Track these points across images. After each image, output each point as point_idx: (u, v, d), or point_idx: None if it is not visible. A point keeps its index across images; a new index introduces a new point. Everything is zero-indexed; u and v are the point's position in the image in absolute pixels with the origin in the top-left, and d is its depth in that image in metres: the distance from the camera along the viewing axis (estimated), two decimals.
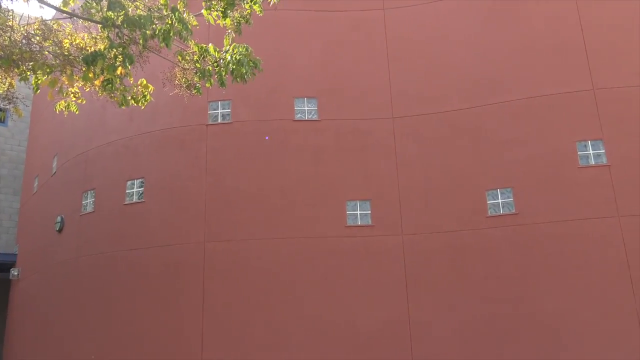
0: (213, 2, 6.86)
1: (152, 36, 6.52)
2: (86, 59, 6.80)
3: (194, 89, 7.71)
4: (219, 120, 13.58)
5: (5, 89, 8.42)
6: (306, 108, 13.47)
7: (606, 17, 12.54)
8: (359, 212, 12.74)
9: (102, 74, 7.05)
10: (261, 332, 12.10)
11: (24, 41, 7.65)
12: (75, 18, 7.59)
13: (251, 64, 6.96)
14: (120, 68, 7.04)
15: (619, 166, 11.63)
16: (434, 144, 12.87)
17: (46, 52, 7.71)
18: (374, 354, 11.74)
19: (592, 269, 11.25)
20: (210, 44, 7.23)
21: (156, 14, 6.48)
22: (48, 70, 7.50)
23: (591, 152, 11.88)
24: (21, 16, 8.27)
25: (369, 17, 13.99)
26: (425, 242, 12.31)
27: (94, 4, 6.72)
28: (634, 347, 10.70)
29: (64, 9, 7.28)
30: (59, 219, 15.36)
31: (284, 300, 12.23)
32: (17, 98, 8.69)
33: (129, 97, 8.00)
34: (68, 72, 7.61)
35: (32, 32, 7.78)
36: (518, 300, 11.48)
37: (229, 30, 7.12)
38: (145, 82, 8.21)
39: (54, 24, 8.04)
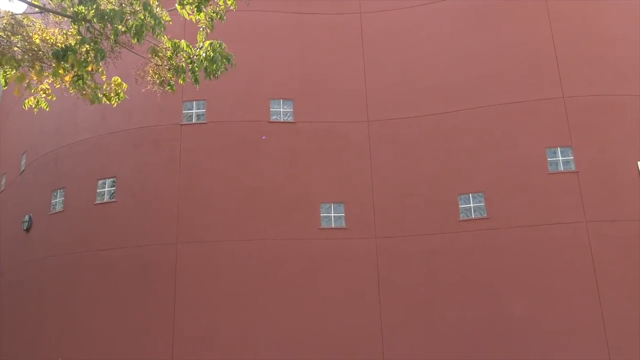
0: None
1: (125, 31, 6.42)
2: (56, 53, 6.65)
3: (168, 86, 7.59)
4: (193, 120, 13.46)
5: None
6: (282, 110, 13.45)
7: (577, 27, 12.87)
8: (332, 214, 12.75)
9: (73, 69, 6.91)
10: (232, 334, 12.01)
11: None
12: (46, 13, 7.43)
13: (224, 60, 6.89)
14: (91, 64, 6.91)
15: (587, 173, 11.91)
16: (408, 147, 12.99)
17: (15, 48, 7.53)
18: (346, 355, 11.75)
19: (560, 272, 11.48)
20: (182, 40, 7.15)
21: (128, 8, 6.38)
22: (16, 65, 7.31)
23: (560, 158, 12.13)
24: None
25: (345, 21, 14.07)
26: (398, 245, 12.39)
27: None
28: (600, 347, 10.94)
29: (35, 2, 7.13)
30: (26, 218, 14.99)
31: (256, 302, 12.16)
32: None
33: (101, 95, 7.84)
34: (37, 67, 7.43)
35: (1, 26, 7.58)
36: (488, 303, 11.64)
37: (203, 27, 7.05)
38: (119, 80, 8.07)
39: (24, 18, 7.86)
